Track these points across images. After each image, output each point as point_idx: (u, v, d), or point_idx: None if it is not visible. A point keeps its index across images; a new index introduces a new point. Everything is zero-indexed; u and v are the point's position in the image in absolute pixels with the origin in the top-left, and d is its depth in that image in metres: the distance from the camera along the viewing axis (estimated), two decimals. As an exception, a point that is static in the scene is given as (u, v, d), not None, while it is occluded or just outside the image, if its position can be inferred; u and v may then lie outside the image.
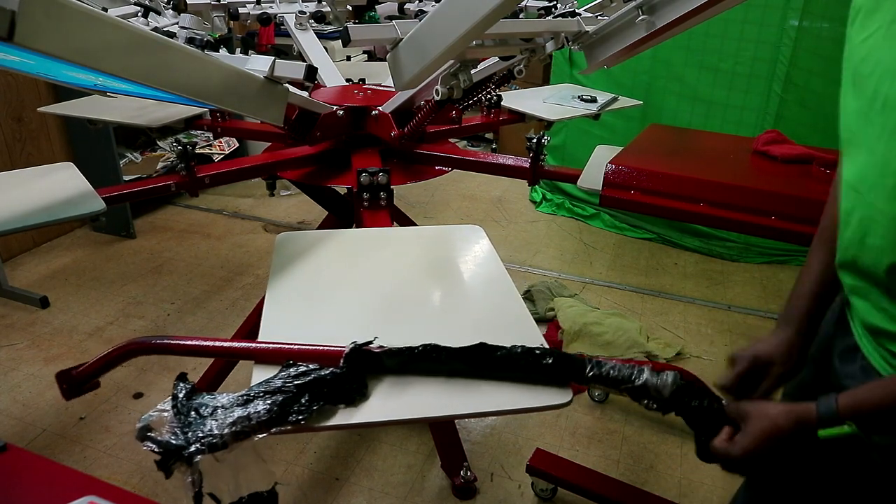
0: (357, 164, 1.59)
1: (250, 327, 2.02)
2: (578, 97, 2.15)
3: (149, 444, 0.68)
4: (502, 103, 2.06)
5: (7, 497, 0.73)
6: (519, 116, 2.06)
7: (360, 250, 1.22)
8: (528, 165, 1.71)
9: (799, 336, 0.91)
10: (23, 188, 1.32)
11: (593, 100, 2.13)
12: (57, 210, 1.23)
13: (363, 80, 2.00)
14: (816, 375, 0.93)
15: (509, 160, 1.79)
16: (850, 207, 0.77)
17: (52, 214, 1.21)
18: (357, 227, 1.58)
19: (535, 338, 0.93)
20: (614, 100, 2.15)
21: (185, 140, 1.61)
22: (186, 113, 1.90)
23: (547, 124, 2.07)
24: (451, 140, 2.01)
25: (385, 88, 1.89)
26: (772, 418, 0.76)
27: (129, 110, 1.91)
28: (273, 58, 1.28)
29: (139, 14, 1.53)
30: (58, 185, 1.32)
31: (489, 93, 1.93)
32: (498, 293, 1.07)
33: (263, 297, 2.12)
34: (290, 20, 1.94)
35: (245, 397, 0.75)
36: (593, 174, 1.57)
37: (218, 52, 1.39)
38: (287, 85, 1.34)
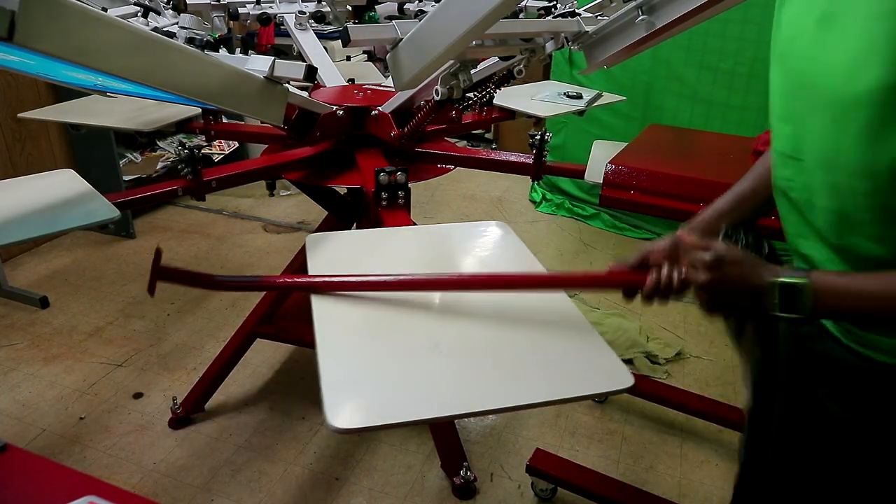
0: (363, 164, 1.59)
1: (251, 326, 2.03)
2: (564, 94, 2.18)
3: None
4: (494, 101, 2.08)
5: (7, 497, 0.73)
6: (509, 114, 2.07)
7: (393, 247, 1.21)
8: (531, 161, 1.71)
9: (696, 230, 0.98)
10: (32, 196, 1.30)
11: (579, 96, 2.15)
12: (72, 218, 1.21)
13: (352, 80, 2.00)
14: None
15: (512, 157, 1.79)
16: (790, 175, 0.81)
17: (68, 223, 1.19)
18: (371, 226, 1.57)
19: (580, 323, 0.94)
20: (599, 96, 2.18)
21: (191, 143, 1.61)
22: (178, 116, 1.89)
23: (536, 120, 2.08)
24: (449, 139, 2.01)
25: (385, 88, 1.89)
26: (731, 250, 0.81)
27: (127, 111, 1.90)
28: (273, 58, 1.28)
29: (139, 14, 1.53)
30: (67, 194, 1.31)
31: (489, 93, 1.93)
32: None
33: (264, 297, 2.12)
34: (290, 20, 1.94)
35: None
36: (597, 168, 1.57)
37: (218, 52, 1.39)
38: (287, 85, 1.34)
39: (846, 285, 0.74)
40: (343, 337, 0.91)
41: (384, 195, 1.48)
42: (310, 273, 1.06)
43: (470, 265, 1.15)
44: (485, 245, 1.23)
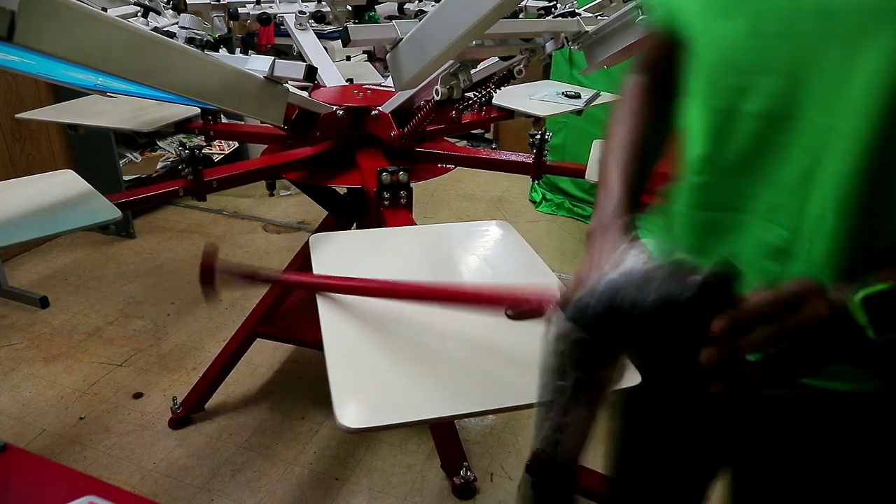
0: (364, 164, 1.59)
1: (251, 326, 2.03)
2: (563, 93, 2.18)
3: None
4: (493, 101, 2.08)
5: (7, 497, 0.73)
6: (508, 113, 2.08)
7: (395, 247, 1.21)
8: (531, 161, 1.71)
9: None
10: (34, 197, 1.30)
11: (577, 96, 2.15)
12: (73, 219, 1.21)
13: (351, 80, 2.00)
14: None
15: (512, 156, 1.80)
16: (785, 139, 0.66)
17: (70, 223, 1.19)
18: (373, 226, 1.57)
19: None
20: (597, 95, 2.18)
21: (191, 143, 1.61)
22: (177, 116, 1.89)
23: (535, 120, 2.08)
24: (449, 139, 2.01)
25: (385, 88, 1.89)
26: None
27: (127, 111, 1.90)
28: (273, 58, 1.28)
29: (139, 14, 1.53)
30: (68, 194, 1.31)
31: (489, 93, 1.93)
32: (538, 280, 1.08)
33: (263, 297, 2.11)
34: (290, 20, 1.94)
35: None
36: (598, 168, 1.58)
37: (218, 52, 1.39)
38: (287, 85, 1.34)
39: None
40: (350, 336, 0.91)
41: (386, 195, 1.48)
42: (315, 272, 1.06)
43: (474, 266, 1.15)
44: (488, 245, 1.23)
